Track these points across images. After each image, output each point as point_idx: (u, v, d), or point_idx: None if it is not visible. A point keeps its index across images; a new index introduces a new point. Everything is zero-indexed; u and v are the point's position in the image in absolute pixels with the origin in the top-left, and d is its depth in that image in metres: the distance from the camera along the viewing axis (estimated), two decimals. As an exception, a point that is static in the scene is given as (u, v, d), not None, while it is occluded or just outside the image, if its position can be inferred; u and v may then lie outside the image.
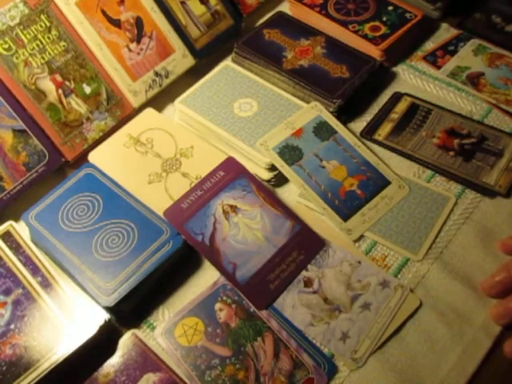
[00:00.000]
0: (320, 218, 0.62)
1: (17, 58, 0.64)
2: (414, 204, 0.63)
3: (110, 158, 0.66)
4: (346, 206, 0.62)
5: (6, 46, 0.64)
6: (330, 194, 0.62)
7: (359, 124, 0.71)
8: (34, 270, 0.55)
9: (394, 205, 0.62)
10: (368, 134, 0.70)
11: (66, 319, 0.52)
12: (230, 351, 0.53)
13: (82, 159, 0.66)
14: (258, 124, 0.67)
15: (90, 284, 0.54)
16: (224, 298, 0.56)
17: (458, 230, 0.61)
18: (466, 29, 0.82)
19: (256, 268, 0.57)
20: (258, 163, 0.65)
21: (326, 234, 0.61)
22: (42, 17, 0.66)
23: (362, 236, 0.61)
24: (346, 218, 0.61)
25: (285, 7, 0.85)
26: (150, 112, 0.70)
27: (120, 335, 0.54)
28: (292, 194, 0.65)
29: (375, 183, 0.64)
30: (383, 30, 0.77)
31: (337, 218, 0.61)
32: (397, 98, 0.74)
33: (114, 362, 0.52)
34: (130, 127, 0.69)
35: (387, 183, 0.64)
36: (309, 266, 0.58)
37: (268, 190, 0.63)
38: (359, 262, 0.58)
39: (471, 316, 0.55)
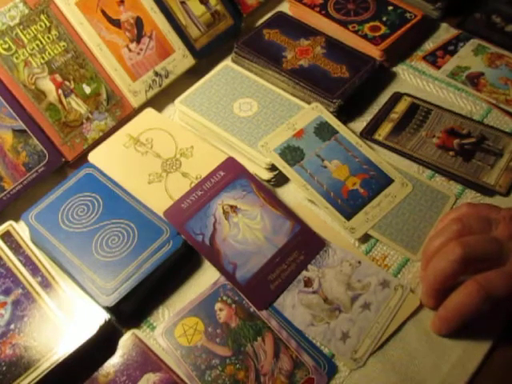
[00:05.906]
0: (320, 218, 0.62)
1: (17, 58, 0.64)
2: (414, 201, 0.63)
3: (110, 158, 0.66)
4: (348, 205, 0.62)
5: (6, 46, 0.64)
6: (333, 194, 0.62)
7: (359, 124, 0.71)
8: (34, 270, 0.55)
9: (397, 203, 0.62)
10: (368, 133, 0.70)
11: (66, 319, 0.52)
12: (230, 351, 0.53)
13: (82, 159, 0.66)
14: (257, 124, 0.67)
15: (90, 284, 0.54)
16: (224, 297, 0.56)
17: (457, 230, 0.61)
18: (466, 29, 0.82)
19: (256, 268, 0.57)
20: (258, 163, 0.65)
21: (326, 234, 0.61)
22: (42, 17, 0.66)
23: (365, 234, 0.60)
24: (349, 216, 0.61)
25: (285, 7, 0.85)
26: (149, 112, 0.70)
27: (120, 335, 0.54)
28: (292, 193, 0.65)
29: (378, 182, 0.64)
30: (383, 29, 0.77)
31: (340, 217, 0.61)
32: (397, 98, 0.74)
33: (114, 362, 0.52)
34: (130, 127, 0.69)
35: (390, 181, 0.64)
36: (309, 266, 0.58)
37: (268, 190, 0.63)
38: (359, 262, 0.58)
39: (471, 316, 0.55)
